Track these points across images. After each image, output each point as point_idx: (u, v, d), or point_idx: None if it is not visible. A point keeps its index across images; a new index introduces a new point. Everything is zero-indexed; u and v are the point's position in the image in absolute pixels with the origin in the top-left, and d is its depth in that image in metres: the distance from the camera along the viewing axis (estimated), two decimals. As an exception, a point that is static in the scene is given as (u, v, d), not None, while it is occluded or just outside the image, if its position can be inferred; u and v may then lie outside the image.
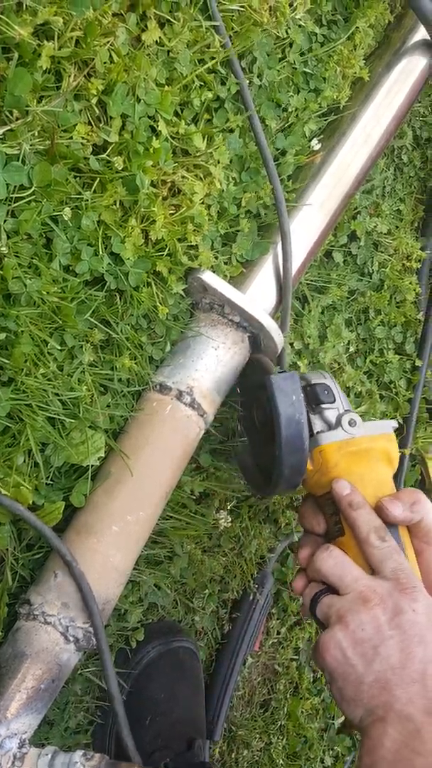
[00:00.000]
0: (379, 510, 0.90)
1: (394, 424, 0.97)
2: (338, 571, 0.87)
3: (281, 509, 1.25)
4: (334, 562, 0.88)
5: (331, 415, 0.94)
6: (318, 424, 0.94)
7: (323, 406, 0.94)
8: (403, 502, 0.90)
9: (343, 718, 1.45)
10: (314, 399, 0.94)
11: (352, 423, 0.93)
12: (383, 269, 1.35)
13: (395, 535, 0.90)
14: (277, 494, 1.05)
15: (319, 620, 0.89)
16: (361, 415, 0.97)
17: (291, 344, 1.18)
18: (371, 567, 0.87)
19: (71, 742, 0.99)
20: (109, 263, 0.84)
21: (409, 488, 0.93)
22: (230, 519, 1.10)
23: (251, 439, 1.03)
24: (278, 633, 1.33)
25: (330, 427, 0.94)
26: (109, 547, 0.86)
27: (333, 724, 1.44)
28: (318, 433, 0.94)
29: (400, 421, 1.39)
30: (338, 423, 0.94)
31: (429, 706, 0.76)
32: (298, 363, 1.17)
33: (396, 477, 1.35)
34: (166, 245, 0.89)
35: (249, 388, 1.02)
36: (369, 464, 0.93)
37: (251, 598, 1.24)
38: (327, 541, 0.95)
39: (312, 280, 1.23)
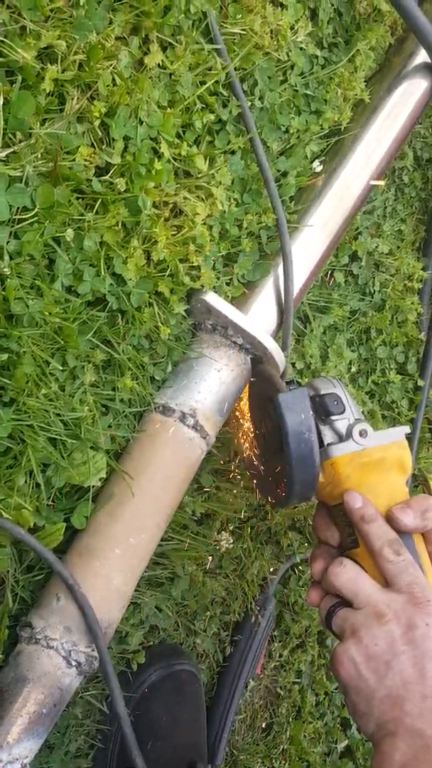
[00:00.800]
0: (390, 520, 0.90)
1: (406, 430, 0.96)
2: (352, 586, 0.87)
3: (283, 530, 1.25)
4: (348, 577, 0.88)
5: (341, 425, 0.93)
6: (328, 436, 0.93)
7: (333, 417, 0.93)
8: (414, 510, 0.89)
9: (346, 742, 1.43)
10: (324, 410, 0.93)
11: (363, 434, 0.92)
12: (385, 289, 1.35)
13: (409, 543, 0.89)
14: (289, 506, 1.04)
15: (335, 633, 0.89)
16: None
17: (293, 364, 1.18)
18: (386, 580, 0.87)
19: (72, 767, 0.98)
20: (111, 284, 0.84)
21: (420, 495, 0.92)
22: (232, 540, 1.09)
23: (260, 444, 1.02)
24: (280, 656, 1.32)
25: (341, 438, 0.93)
26: (112, 570, 0.85)
27: (336, 748, 1.42)
28: (329, 445, 0.92)
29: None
30: (349, 434, 0.92)
31: None
32: (300, 383, 1.17)
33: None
34: (167, 266, 0.89)
35: (256, 396, 1.01)
36: (382, 474, 0.92)
37: (253, 620, 1.23)
38: (341, 552, 0.94)
39: (313, 300, 1.23)
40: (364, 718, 0.82)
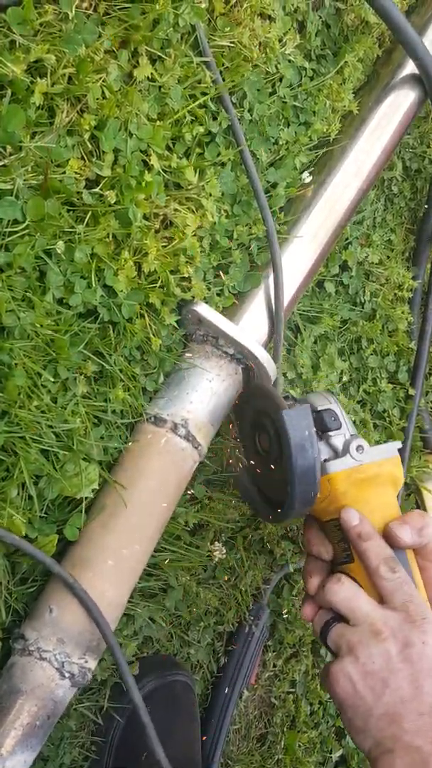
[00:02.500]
0: (388, 536, 0.91)
1: (398, 445, 0.97)
2: (349, 603, 0.88)
3: (276, 540, 1.25)
4: (345, 594, 0.89)
5: (337, 441, 0.94)
6: (325, 452, 0.94)
7: (330, 433, 0.94)
8: (411, 527, 0.91)
9: (341, 751, 1.43)
10: (321, 426, 0.94)
11: (359, 449, 0.93)
12: (375, 299, 1.35)
13: (402, 558, 0.90)
14: (287, 522, 1.04)
15: (329, 647, 0.89)
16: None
17: (284, 374, 1.18)
18: (381, 597, 0.88)
19: (66, 779, 0.98)
20: (102, 295, 0.84)
21: (416, 511, 0.94)
22: (225, 550, 1.09)
23: (251, 461, 1.02)
24: (274, 665, 1.32)
25: (337, 454, 0.94)
26: (105, 582, 0.85)
27: (331, 757, 1.42)
28: (325, 460, 0.93)
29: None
30: (346, 450, 0.93)
31: None
32: (291, 392, 1.17)
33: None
34: (158, 277, 0.89)
35: (250, 413, 1.01)
36: (376, 490, 0.93)
37: (247, 630, 1.23)
38: (334, 566, 0.95)
39: (304, 310, 1.24)
40: (361, 734, 0.82)
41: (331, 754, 1.42)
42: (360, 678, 0.83)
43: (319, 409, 0.95)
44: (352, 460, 0.93)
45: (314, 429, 0.89)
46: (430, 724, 0.78)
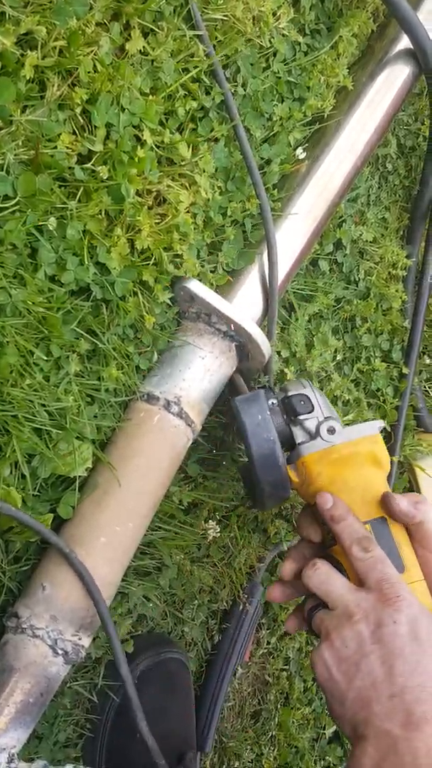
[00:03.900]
0: (385, 501, 0.90)
1: (379, 424, 0.96)
2: (325, 587, 0.87)
3: (270, 519, 1.25)
4: (319, 579, 0.88)
5: (311, 424, 0.95)
6: (300, 435, 0.95)
7: (301, 417, 0.95)
8: (408, 498, 0.90)
9: (334, 728, 1.44)
10: (291, 411, 0.95)
11: (330, 431, 0.93)
12: (369, 277, 1.35)
13: (386, 533, 0.90)
14: (269, 508, 1.05)
15: (315, 634, 0.89)
16: (349, 422, 0.96)
17: (278, 353, 1.17)
18: (357, 578, 0.87)
19: (61, 756, 0.98)
20: (94, 273, 0.83)
21: (413, 492, 0.93)
22: (219, 529, 1.09)
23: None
24: (268, 643, 1.33)
25: (311, 437, 0.95)
26: (98, 559, 0.85)
27: (324, 734, 1.43)
28: (300, 444, 0.94)
29: (388, 428, 1.39)
30: (317, 432, 0.94)
31: (406, 720, 0.75)
32: (285, 371, 1.17)
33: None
34: (152, 254, 0.89)
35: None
36: (353, 470, 0.93)
37: (241, 608, 1.23)
38: (324, 549, 0.95)
39: (298, 289, 1.23)
40: (339, 720, 0.82)
41: (324, 730, 1.43)
42: (334, 663, 0.82)
43: (290, 394, 0.96)
44: (323, 442, 0.93)
45: (268, 413, 0.91)
46: (400, 705, 0.76)
